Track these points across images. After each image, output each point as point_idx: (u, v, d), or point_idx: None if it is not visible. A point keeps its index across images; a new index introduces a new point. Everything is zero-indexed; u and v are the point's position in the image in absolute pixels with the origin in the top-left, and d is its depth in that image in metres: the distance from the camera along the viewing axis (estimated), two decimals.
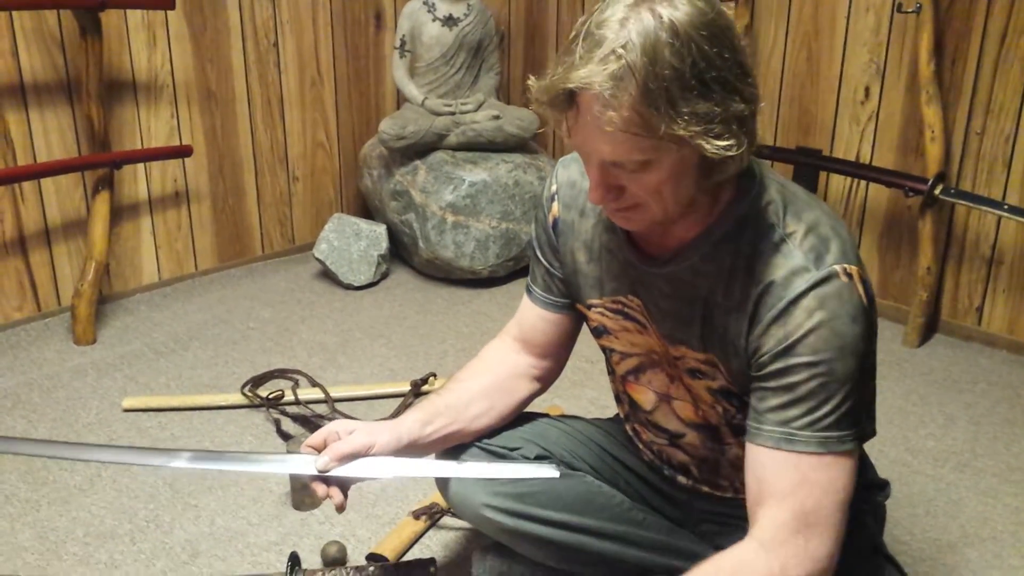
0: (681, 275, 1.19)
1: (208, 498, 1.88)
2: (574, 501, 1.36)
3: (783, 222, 1.13)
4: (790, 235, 1.12)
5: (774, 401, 1.12)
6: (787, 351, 1.10)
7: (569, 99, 1.04)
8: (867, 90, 2.62)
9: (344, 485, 1.29)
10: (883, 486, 1.44)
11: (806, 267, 1.10)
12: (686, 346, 1.22)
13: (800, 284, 1.09)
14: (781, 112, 2.80)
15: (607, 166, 1.07)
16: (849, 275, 1.10)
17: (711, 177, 1.07)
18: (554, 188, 1.36)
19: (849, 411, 1.10)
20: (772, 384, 1.12)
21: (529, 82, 1.08)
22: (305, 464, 1.28)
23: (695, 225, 1.16)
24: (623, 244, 1.25)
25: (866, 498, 1.37)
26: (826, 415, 1.09)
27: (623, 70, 0.98)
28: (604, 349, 1.39)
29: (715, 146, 1.01)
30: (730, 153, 1.02)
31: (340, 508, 1.28)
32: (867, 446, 1.25)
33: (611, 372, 1.43)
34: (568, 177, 1.34)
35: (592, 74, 0.99)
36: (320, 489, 1.27)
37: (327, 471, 1.26)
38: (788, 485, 1.11)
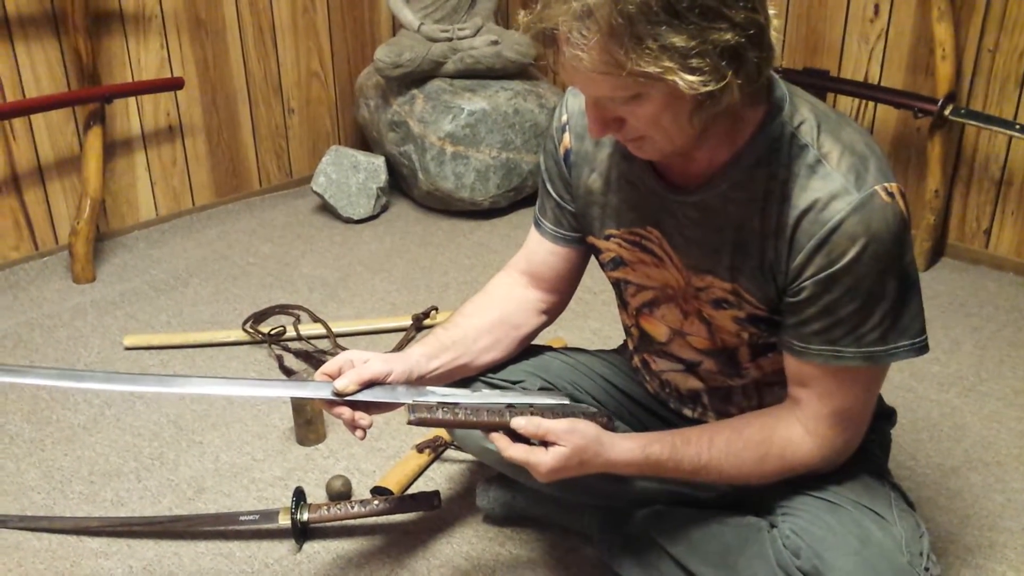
0: (711, 203, 1.15)
1: (212, 435, 1.89)
2: None
3: (817, 142, 1.09)
4: (826, 155, 1.08)
5: (817, 325, 1.12)
6: (830, 278, 1.08)
7: (550, 36, 1.00)
8: (876, 7, 2.53)
9: (365, 411, 1.27)
10: (890, 415, 1.43)
11: (846, 189, 1.06)
12: (712, 275, 1.19)
13: (842, 207, 1.06)
14: (788, 32, 2.72)
15: (601, 100, 1.04)
16: (891, 194, 1.07)
17: (707, 109, 1.01)
18: (564, 119, 1.31)
19: (892, 326, 1.12)
20: (813, 309, 1.12)
21: (520, 16, 1.04)
22: (323, 389, 1.25)
23: (721, 150, 1.11)
24: (646, 173, 1.20)
25: (874, 427, 1.37)
26: (870, 331, 1.11)
27: (585, 9, 0.94)
28: (618, 282, 1.36)
29: (688, 82, 0.95)
30: (706, 88, 0.96)
31: (365, 432, 1.25)
32: None
33: (623, 305, 1.40)
34: (579, 106, 1.28)
35: (558, 14, 0.96)
36: (346, 413, 1.24)
37: (346, 394, 1.24)
38: (832, 387, 1.16)
